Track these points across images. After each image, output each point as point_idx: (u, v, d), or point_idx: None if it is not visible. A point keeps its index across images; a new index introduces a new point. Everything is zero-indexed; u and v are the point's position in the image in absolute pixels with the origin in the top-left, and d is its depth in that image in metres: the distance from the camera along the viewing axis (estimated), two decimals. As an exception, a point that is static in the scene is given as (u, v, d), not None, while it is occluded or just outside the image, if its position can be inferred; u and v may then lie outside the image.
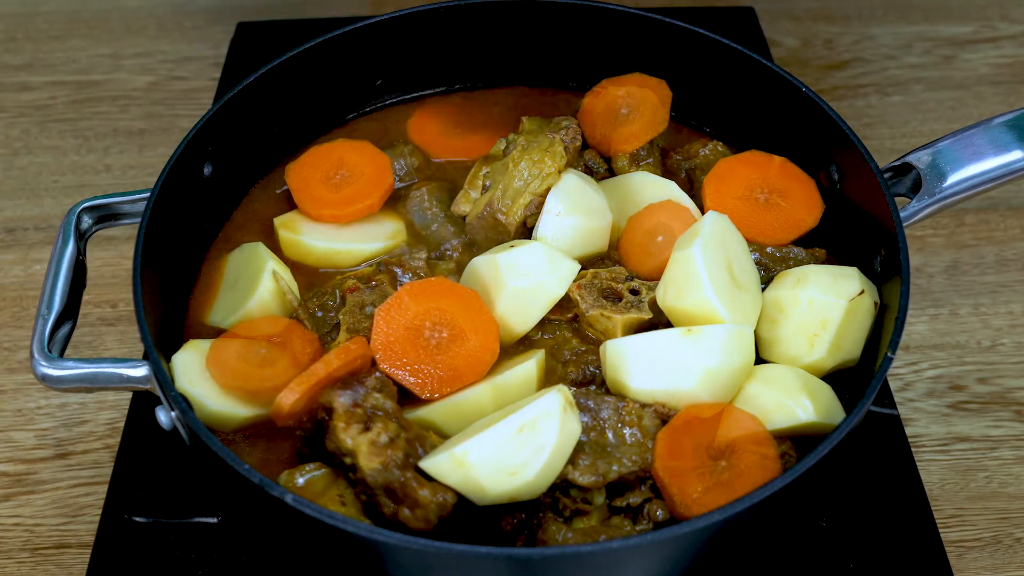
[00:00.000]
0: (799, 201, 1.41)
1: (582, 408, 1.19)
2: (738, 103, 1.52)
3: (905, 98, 1.97)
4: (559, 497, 1.15)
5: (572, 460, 1.15)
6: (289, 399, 1.17)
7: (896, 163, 1.34)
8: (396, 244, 1.42)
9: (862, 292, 1.25)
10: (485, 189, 1.40)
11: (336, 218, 1.43)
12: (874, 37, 2.08)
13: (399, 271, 1.35)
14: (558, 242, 1.34)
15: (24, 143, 1.89)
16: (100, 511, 1.37)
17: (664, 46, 1.54)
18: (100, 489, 1.42)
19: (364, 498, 1.14)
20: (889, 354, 1.15)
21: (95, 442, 1.48)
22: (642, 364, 1.20)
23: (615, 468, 1.15)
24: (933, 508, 1.39)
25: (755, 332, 1.28)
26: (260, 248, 1.37)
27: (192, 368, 1.24)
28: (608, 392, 1.24)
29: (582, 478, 1.14)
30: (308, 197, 1.44)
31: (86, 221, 1.30)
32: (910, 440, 1.46)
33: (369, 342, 1.24)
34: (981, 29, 2.09)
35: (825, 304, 1.25)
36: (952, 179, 1.30)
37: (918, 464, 1.43)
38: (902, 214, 1.28)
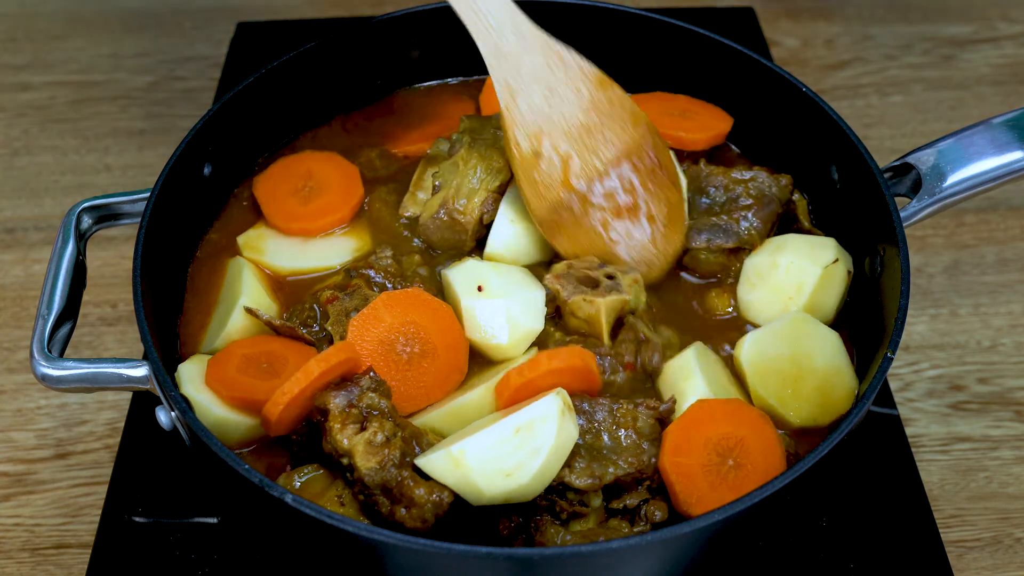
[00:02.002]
0: (709, 114, 1.51)
1: (577, 411, 1.19)
2: (738, 103, 1.52)
3: (905, 98, 1.97)
4: (556, 500, 1.15)
5: (568, 463, 1.14)
6: (275, 412, 1.15)
7: (896, 163, 1.35)
8: (362, 255, 1.40)
9: (836, 260, 1.31)
10: (436, 189, 1.40)
11: (306, 232, 1.41)
12: (874, 37, 2.08)
13: (371, 272, 1.34)
14: (512, 250, 1.36)
15: (24, 143, 1.89)
16: (100, 511, 1.37)
17: (664, 46, 1.54)
18: (100, 489, 1.42)
19: (362, 498, 1.13)
20: (889, 354, 1.15)
21: (95, 442, 1.48)
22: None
23: (611, 470, 1.15)
24: (933, 508, 1.39)
25: (737, 294, 1.35)
26: (241, 272, 1.34)
27: (197, 379, 1.22)
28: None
29: (579, 481, 1.14)
30: (277, 211, 1.42)
31: (86, 221, 1.30)
32: (910, 440, 1.46)
33: None
34: (981, 29, 2.09)
35: (801, 269, 1.30)
36: (952, 179, 1.30)
37: (918, 464, 1.43)
38: (902, 214, 1.29)
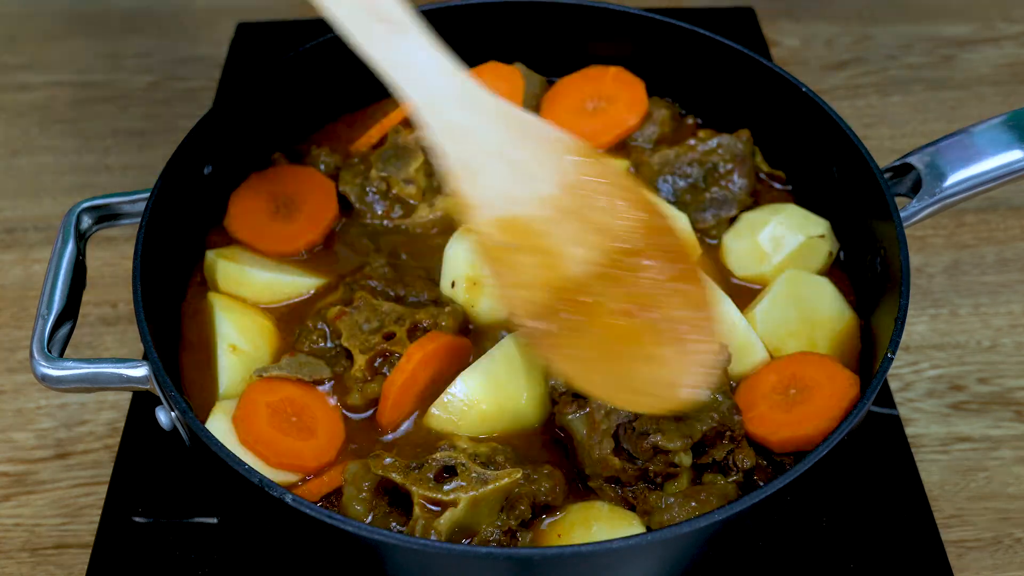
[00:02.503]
0: (624, 104, 1.52)
1: None
2: (739, 103, 1.51)
3: (905, 98, 1.97)
4: (647, 467, 1.16)
5: (658, 428, 1.15)
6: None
7: (896, 163, 1.34)
8: (346, 271, 1.38)
9: (823, 236, 1.37)
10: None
11: (281, 253, 1.39)
12: (874, 37, 2.08)
13: (372, 282, 1.33)
14: None
15: (24, 143, 1.89)
16: (100, 511, 1.37)
17: (665, 46, 1.53)
18: (100, 489, 1.42)
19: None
20: (889, 355, 1.15)
21: (95, 442, 1.48)
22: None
23: (699, 427, 1.16)
24: (933, 508, 1.39)
25: (723, 241, 1.41)
26: (215, 315, 1.30)
27: (230, 436, 1.19)
28: None
29: (671, 444, 1.14)
30: (251, 230, 1.39)
31: (86, 221, 1.29)
32: (910, 440, 1.46)
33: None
34: (981, 29, 2.09)
35: (787, 232, 1.37)
36: (952, 179, 1.30)
37: (918, 464, 1.43)
38: (902, 214, 1.28)
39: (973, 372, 1.56)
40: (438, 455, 1.14)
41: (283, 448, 1.18)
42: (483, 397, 1.22)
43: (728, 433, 1.18)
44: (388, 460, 1.13)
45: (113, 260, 1.69)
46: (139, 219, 1.27)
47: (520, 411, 1.23)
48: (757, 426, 1.21)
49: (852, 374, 1.23)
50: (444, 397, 1.21)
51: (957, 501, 1.42)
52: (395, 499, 1.14)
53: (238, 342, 1.27)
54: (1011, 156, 1.29)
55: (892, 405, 1.48)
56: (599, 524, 1.14)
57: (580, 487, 1.20)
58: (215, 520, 1.34)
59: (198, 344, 1.31)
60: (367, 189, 1.44)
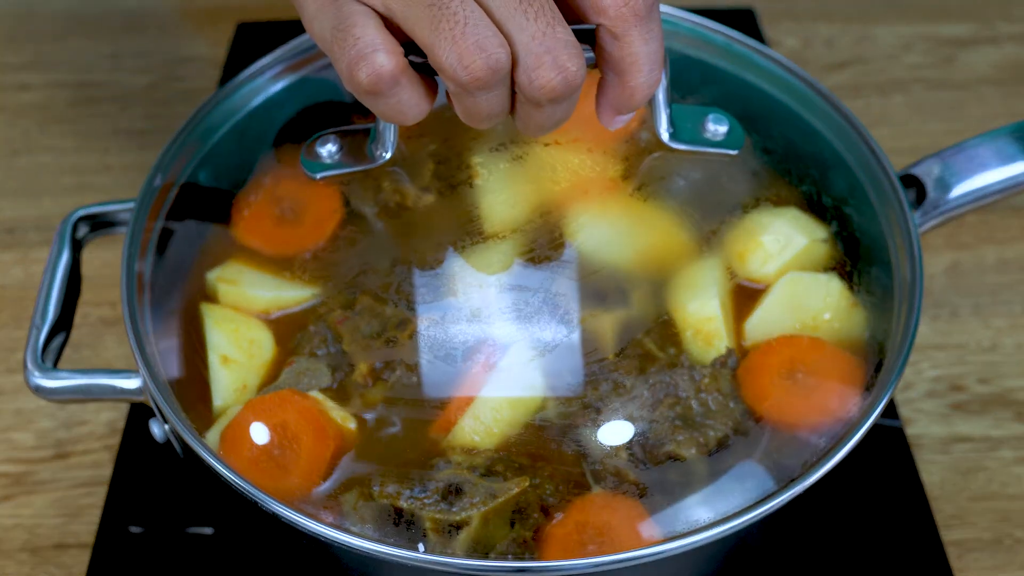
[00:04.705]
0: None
1: (659, 384, 1.18)
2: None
3: (905, 98, 1.97)
4: (667, 476, 1.15)
5: (672, 437, 1.14)
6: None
7: (900, 175, 1.34)
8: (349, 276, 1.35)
9: (825, 240, 1.33)
10: None
11: (287, 256, 1.34)
12: (874, 37, 2.08)
13: (376, 286, 1.33)
14: None
15: (24, 143, 1.89)
16: (100, 511, 1.37)
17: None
18: (100, 490, 1.42)
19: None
20: (896, 376, 1.14)
21: (95, 442, 1.48)
22: None
23: (712, 434, 1.15)
24: (933, 508, 1.39)
25: (726, 242, 1.35)
26: (205, 326, 1.27)
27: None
28: (672, 366, 1.22)
29: (687, 451, 1.14)
30: (257, 235, 1.36)
31: (82, 230, 1.28)
32: (910, 441, 1.47)
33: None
34: (981, 29, 2.09)
35: (790, 235, 1.32)
36: (956, 192, 1.28)
37: (918, 465, 1.43)
38: (904, 227, 1.28)
39: (973, 372, 1.56)
40: (442, 473, 1.12)
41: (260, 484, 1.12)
42: (507, 403, 1.21)
43: (742, 439, 1.18)
44: (391, 487, 1.10)
45: (113, 260, 1.67)
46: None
47: (531, 410, 1.23)
48: (785, 414, 1.18)
49: (851, 355, 1.22)
50: (475, 409, 1.19)
51: (957, 501, 1.42)
52: (398, 520, 1.12)
53: (230, 352, 1.26)
54: (1016, 168, 1.28)
55: (896, 416, 1.47)
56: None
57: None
58: (211, 531, 1.34)
59: (193, 353, 1.29)
60: (379, 202, 1.43)
